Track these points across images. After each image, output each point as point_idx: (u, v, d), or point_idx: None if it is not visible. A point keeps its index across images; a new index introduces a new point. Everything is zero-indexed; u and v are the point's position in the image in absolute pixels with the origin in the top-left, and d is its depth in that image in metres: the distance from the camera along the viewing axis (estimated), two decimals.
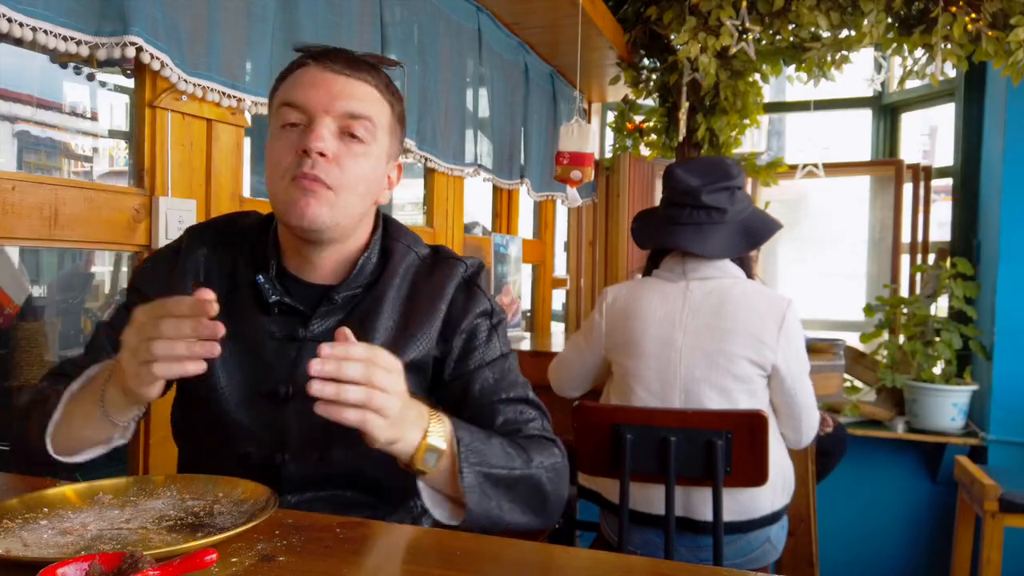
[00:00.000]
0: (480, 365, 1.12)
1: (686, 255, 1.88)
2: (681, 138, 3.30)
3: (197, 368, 0.84)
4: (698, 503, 1.79)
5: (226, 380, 1.06)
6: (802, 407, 1.83)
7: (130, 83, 1.53)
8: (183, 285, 1.07)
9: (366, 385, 0.82)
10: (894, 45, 2.88)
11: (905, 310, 3.11)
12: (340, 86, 1.02)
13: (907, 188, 3.40)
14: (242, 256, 1.11)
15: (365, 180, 1.05)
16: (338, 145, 1.02)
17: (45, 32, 1.21)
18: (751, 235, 1.87)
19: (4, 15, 1.15)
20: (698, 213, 1.85)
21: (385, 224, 1.16)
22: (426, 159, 2.36)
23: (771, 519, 1.82)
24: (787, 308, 1.80)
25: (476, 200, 3.34)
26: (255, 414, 1.05)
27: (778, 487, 1.83)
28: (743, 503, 1.79)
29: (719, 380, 1.78)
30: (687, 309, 1.83)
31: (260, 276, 1.07)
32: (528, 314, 3.76)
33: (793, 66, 3.20)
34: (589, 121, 3.62)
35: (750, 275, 1.93)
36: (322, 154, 1.00)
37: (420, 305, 1.10)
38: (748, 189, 2.86)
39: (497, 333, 1.16)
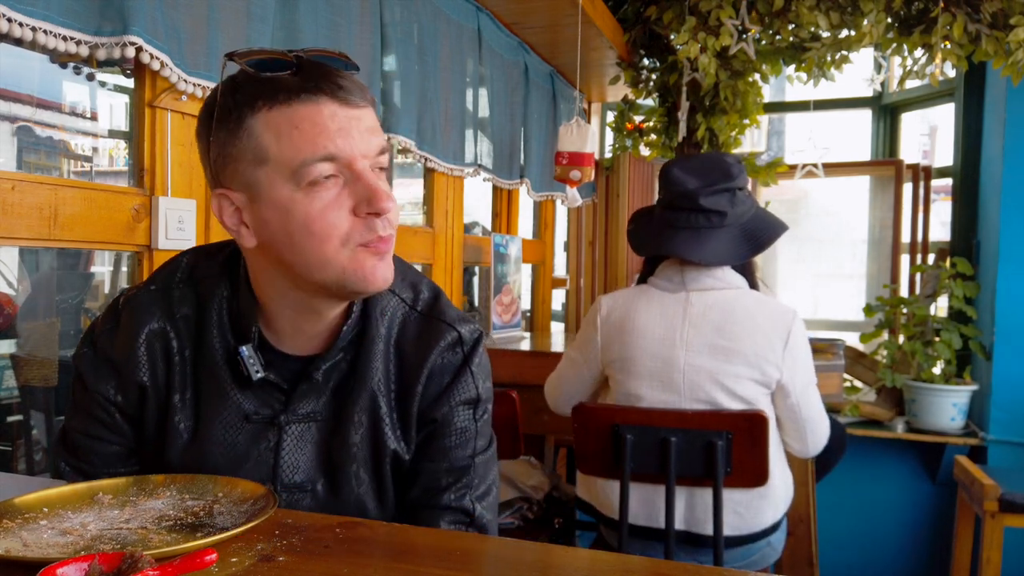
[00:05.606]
0: (438, 458, 0.99)
1: (684, 262, 1.79)
2: (681, 138, 3.30)
3: None
4: (700, 517, 1.77)
5: (193, 466, 0.95)
6: (806, 420, 1.79)
7: (130, 83, 1.53)
8: (134, 376, 0.95)
9: None
10: (894, 45, 2.88)
11: (905, 310, 3.11)
12: (366, 123, 0.87)
13: (907, 188, 3.40)
14: (210, 320, 0.96)
15: None
16: None
17: (45, 32, 1.21)
18: (753, 239, 1.77)
19: (4, 15, 1.15)
20: (696, 217, 1.76)
21: None
22: (426, 159, 2.36)
23: (771, 529, 1.82)
24: (792, 322, 1.74)
25: (476, 200, 3.35)
26: None
27: (780, 500, 1.82)
28: (747, 519, 1.77)
29: (723, 402, 1.74)
30: (688, 325, 1.76)
31: (244, 348, 0.93)
32: (528, 314, 3.76)
33: (793, 66, 3.20)
34: (589, 121, 3.62)
35: (752, 283, 1.85)
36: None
37: (407, 380, 0.98)
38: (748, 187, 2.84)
39: (477, 428, 1.01)
